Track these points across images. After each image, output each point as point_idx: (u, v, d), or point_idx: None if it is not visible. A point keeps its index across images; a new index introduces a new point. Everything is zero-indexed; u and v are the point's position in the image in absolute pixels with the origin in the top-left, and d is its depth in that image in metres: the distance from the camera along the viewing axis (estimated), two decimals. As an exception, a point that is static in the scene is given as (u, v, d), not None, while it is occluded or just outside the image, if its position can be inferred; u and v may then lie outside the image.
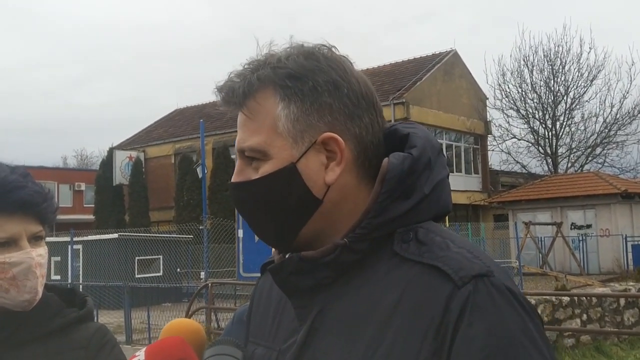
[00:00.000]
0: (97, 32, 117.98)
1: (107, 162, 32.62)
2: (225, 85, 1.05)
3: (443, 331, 0.90)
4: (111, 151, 33.08)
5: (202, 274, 15.11)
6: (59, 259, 18.93)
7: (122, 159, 32.51)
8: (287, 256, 1.06)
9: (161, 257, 19.06)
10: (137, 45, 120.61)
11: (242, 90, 1.02)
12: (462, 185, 30.47)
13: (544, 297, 9.27)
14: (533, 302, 8.85)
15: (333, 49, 1.06)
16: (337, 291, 1.01)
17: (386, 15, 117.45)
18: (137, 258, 18.42)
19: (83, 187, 42.90)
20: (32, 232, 1.50)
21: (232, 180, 1.06)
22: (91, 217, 33.17)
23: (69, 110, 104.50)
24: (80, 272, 18.36)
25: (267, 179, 1.01)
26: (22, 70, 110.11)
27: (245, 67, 1.05)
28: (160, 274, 18.55)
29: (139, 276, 17.70)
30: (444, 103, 29.75)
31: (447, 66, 30.82)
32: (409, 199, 1.01)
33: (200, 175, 15.39)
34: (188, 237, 19.59)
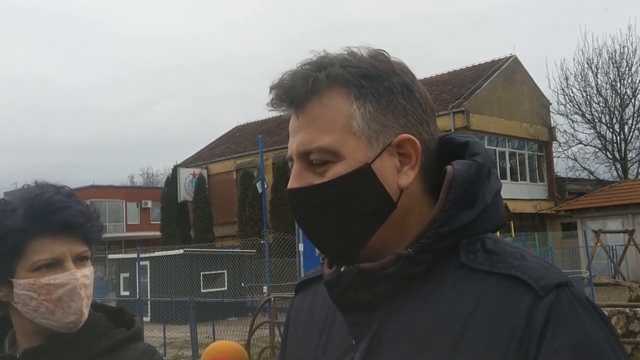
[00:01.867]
0: (159, 54, 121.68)
1: (172, 180, 33.37)
2: (282, 84, 0.99)
3: (526, 343, 0.86)
4: (175, 169, 33.84)
5: (265, 288, 15.21)
6: (127, 275, 19.43)
7: (186, 176, 33.20)
8: (342, 269, 0.99)
9: (225, 272, 19.28)
10: (198, 66, 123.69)
11: (307, 89, 0.97)
12: (528, 193, 29.68)
13: (617, 308, 8.89)
14: (606, 314, 8.51)
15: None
16: (397, 306, 0.96)
17: (442, 26, 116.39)
18: (202, 273, 18.71)
19: (150, 204, 44.14)
20: (77, 253, 1.48)
21: (291, 186, 0.99)
22: (158, 233, 33.96)
23: (136, 130, 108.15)
24: (148, 288, 18.78)
25: (340, 180, 0.95)
26: (89, 95, 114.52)
27: (304, 67, 1.00)
28: (225, 288, 18.77)
29: (204, 291, 17.96)
30: (506, 110, 29.10)
31: (507, 72, 30.18)
32: (474, 208, 0.97)
33: (260, 190, 15.53)
34: (251, 252, 19.78)
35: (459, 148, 1.04)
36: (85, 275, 1.48)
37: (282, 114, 1.02)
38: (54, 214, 1.44)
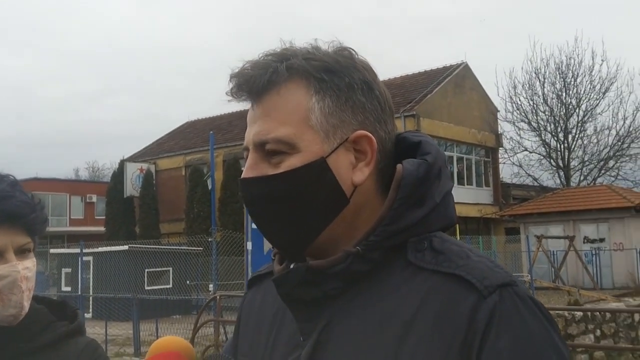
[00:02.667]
0: (110, 49, 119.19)
1: (118, 174, 32.75)
2: (242, 73, 0.98)
3: (469, 343, 0.86)
4: (122, 163, 33.22)
5: (211, 287, 15.06)
6: (69, 270, 18.97)
7: (133, 171, 32.62)
8: (292, 266, 0.99)
9: (171, 269, 19.03)
10: (149, 62, 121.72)
11: (267, 79, 0.96)
12: (473, 198, 30.32)
13: (557, 312, 9.13)
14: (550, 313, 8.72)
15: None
16: (345, 303, 0.96)
17: (397, 31, 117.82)
18: (146, 270, 18.41)
19: (95, 199, 43.19)
20: (19, 244, 1.43)
21: (245, 175, 0.99)
22: (102, 229, 33.27)
23: (82, 124, 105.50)
24: (91, 284, 18.38)
25: (294, 173, 0.95)
26: (33, 85, 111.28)
27: (266, 57, 0.99)
28: (170, 286, 18.53)
29: (149, 288, 17.69)
30: (455, 115, 29.68)
31: (458, 79, 30.79)
32: (422, 207, 0.97)
33: (210, 187, 15.37)
34: (198, 250, 19.57)
35: (412, 147, 1.04)
36: (27, 267, 1.44)
37: (240, 103, 1.00)
38: None
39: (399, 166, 0.99)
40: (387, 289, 0.94)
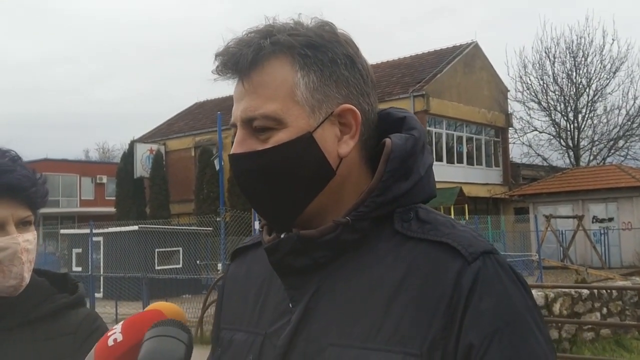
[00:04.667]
0: (116, 29, 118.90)
1: (128, 155, 32.83)
2: (227, 51, 1.00)
3: (454, 305, 0.90)
4: (132, 144, 33.30)
5: (220, 266, 15.17)
6: (80, 250, 19.13)
7: (142, 152, 32.70)
8: (282, 236, 1.02)
9: (181, 249, 19.14)
10: (156, 41, 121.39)
11: (252, 56, 0.98)
12: (483, 178, 30.24)
13: (563, 290, 9.16)
14: (552, 295, 8.77)
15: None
16: (334, 271, 0.99)
17: (403, 11, 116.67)
18: (157, 250, 18.53)
19: (105, 180, 43.34)
20: (20, 217, 1.47)
21: (234, 151, 1.01)
22: (113, 209, 33.45)
23: (91, 105, 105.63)
24: (101, 264, 18.53)
25: (282, 147, 0.98)
26: (42, 66, 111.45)
27: (250, 34, 1.00)
28: (180, 265, 18.63)
29: (159, 268, 17.81)
30: (465, 95, 29.49)
31: (468, 58, 30.52)
32: (408, 180, 1.01)
33: (217, 168, 15.41)
34: (207, 230, 19.65)
35: (396, 122, 1.07)
36: (27, 240, 1.47)
37: (227, 81, 1.02)
38: None
39: (387, 140, 1.02)
40: (375, 256, 0.98)
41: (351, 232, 0.98)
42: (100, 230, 19.04)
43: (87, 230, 17.41)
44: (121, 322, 1.04)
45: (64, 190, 43.42)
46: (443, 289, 0.92)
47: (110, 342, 1.00)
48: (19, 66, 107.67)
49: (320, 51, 0.99)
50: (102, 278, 17.34)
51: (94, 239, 17.45)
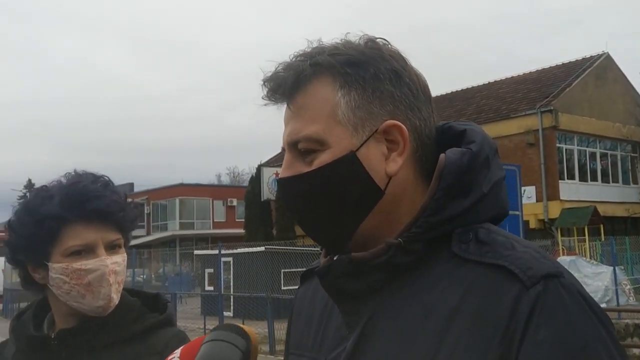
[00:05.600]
0: (247, 58, 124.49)
1: (256, 179, 33.93)
2: (275, 76, 1.00)
3: (510, 335, 0.84)
4: (259, 168, 34.46)
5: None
6: (211, 270, 19.94)
7: (269, 175, 33.66)
8: (335, 258, 1.00)
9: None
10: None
11: (293, 80, 0.97)
12: (619, 196, 28.31)
13: None
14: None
15: (388, 43, 1.02)
16: (389, 296, 0.95)
17: (529, 26, 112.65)
18: (282, 270, 18.96)
19: (235, 202, 45.05)
20: (109, 240, 1.54)
21: (281, 175, 1.00)
22: (242, 231, 34.71)
23: (223, 131, 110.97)
24: (231, 284, 19.25)
25: (325, 169, 0.95)
26: (179, 96, 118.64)
27: (296, 58, 1.00)
28: (305, 286, 18.86)
29: (285, 288, 18.19)
30: (597, 109, 27.89)
31: (599, 70, 28.90)
32: (467, 198, 0.95)
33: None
34: (331, 251, 19.77)
35: (457, 136, 1.02)
36: (115, 262, 1.53)
37: (277, 106, 1.02)
38: (87, 203, 1.51)
39: (441, 156, 0.97)
40: (430, 281, 0.93)
41: (405, 254, 0.93)
42: (230, 251, 19.78)
43: (217, 252, 18.18)
44: (179, 349, 1.05)
45: (198, 213, 45.74)
46: (499, 317, 0.85)
47: None
48: (159, 97, 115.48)
49: (361, 68, 0.97)
50: (232, 297, 18.00)
51: (224, 259, 18.15)
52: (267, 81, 1.00)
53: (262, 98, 1.01)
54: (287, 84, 0.98)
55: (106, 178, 1.60)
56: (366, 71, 0.97)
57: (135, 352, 1.51)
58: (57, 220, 1.50)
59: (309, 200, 0.98)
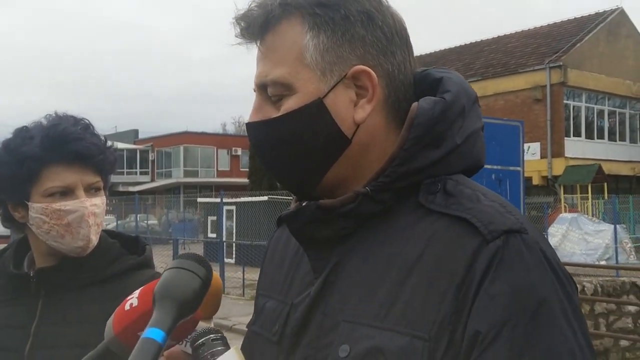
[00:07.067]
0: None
1: (261, 129, 33.89)
2: (243, 15, 0.96)
3: (466, 288, 0.82)
4: (264, 118, 34.32)
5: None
6: (214, 218, 20.17)
7: (274, 125, 33.62)
8: (303, 204, 0.98)
9: (308, 220, 19.52)
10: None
11: (262, 19, 0.94)
12: (626, 155, 28.20)
13: None
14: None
15: None
16: (355, 243, 0.95)
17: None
18: (285, 220, 19.06)
19: (239, 152, 45.21)
20: (89, 183, 1.55)
21: (249, 119, 0.98)
22: (247, 180, 34.87)
23: (229, 80, 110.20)
24: (234, 232, 19.46)
25: (291, 115, 0.93)
26: (184, 42, 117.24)
27: None
28: (307, 235, 19.02)
29: (287, 237, 18.35)
30: (607, 66, 27.49)
31: (612, 26, 28.37)
32: (439, 148, 0.93)
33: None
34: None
35: (434, 84, 0.98)
36: (95, 204, 1.55)
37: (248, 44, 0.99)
38: (67, 145, 1.51)
39: (414, 104, 0.94)
40: (395, 230, 0.92)
41: (372, 203, 0.92)
42: (233, 200, 19.96)
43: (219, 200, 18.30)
44: (140, 288, 1.05)
45: (202, 161, 45.97)
46: (455, 271, 0.83)
47: (127, 307, 1.02)
48: (163, 40, 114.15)
49: (331, 9, 0.92)
50: (234, 245, 18.20)
51: (228, 207, 18.27)
52: (238, 19, 0.97)
53: (235, 36, 0.98)
54: (257, 24, 0.95)
55: (86, 121, 1.60)
56: (336, 12, 0.93)
57: (113, 292, 1.51)
58: (37, 161, 1.50)
59: (276, 146, 0.97)
